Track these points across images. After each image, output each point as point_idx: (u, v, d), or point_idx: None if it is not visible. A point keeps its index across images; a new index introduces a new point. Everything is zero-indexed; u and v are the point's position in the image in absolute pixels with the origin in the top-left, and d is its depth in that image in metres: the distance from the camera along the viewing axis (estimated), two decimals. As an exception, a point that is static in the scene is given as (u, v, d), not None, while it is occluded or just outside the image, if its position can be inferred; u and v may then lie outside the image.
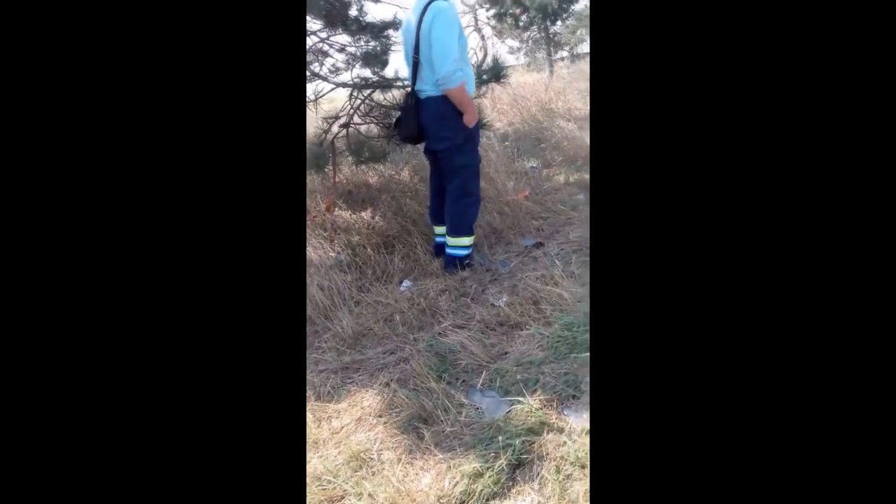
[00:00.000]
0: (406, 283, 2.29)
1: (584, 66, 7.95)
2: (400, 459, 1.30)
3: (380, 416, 1.47)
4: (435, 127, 2.13)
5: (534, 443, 1.25)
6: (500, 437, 1.27)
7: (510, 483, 1.16)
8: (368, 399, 1.56)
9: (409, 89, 2.21)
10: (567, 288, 1.92)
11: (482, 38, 9.69)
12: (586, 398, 1.37)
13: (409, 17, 2.14)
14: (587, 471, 1.15)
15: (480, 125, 2.48)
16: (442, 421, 1.39)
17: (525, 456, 1.22)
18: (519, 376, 1.51)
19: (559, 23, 9.82)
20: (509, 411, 1.38)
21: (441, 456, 1.27)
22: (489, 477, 1.17)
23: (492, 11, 9.67)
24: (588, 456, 1.17)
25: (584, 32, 9.66)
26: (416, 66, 2.10)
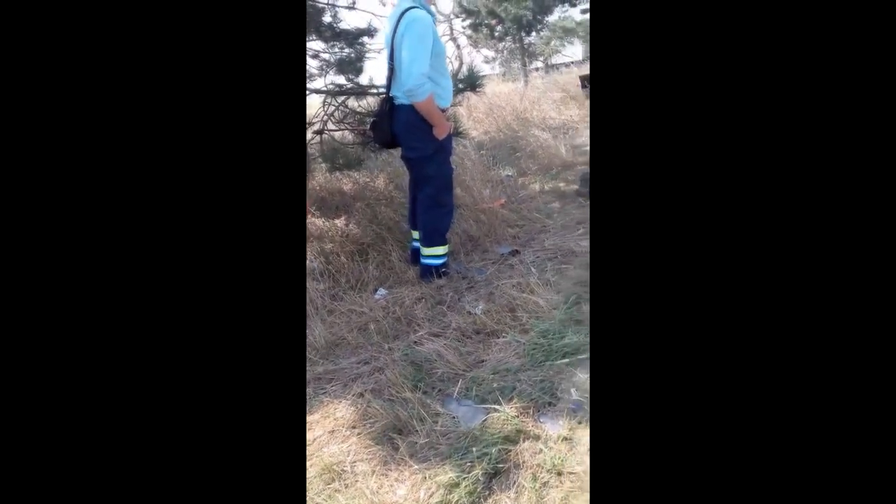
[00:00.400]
0: (381, 291, 2.26)
1: (558, 76, 8.10)
2: (374, 471, 1.27)
3: (353, 428, 1.44)
4: (406, 135, 2.12)
5: (510, 451, 1.24)
6: (475, 447, 1.25)
7: (486, 492, 1.14)
8: (342, 410, 1.53)
9: (384, 94, 2.19)
10: (542, 295, 1.93)
11: (458, 47, 9.78)
12: (562, 405, 1.37)
13: (389, 22, 2.14)
14: (563, 478, 1.14)
15: (454, 135, 2.47)
16: (417, 431, 1.37)
17: (501, 465, 1.20)
18: (495, 384, 1.50)
19: (534, 34, 9.96)
20: (485, 420, 1.36)
21: (416, 467, 1.25)
22: (465, 487, 1.15)
23: (467, 21, 9.77)
24: (564, 463, 1.17)
25: (558, 44, 9.84)
26: (391, 72, 2.09)
